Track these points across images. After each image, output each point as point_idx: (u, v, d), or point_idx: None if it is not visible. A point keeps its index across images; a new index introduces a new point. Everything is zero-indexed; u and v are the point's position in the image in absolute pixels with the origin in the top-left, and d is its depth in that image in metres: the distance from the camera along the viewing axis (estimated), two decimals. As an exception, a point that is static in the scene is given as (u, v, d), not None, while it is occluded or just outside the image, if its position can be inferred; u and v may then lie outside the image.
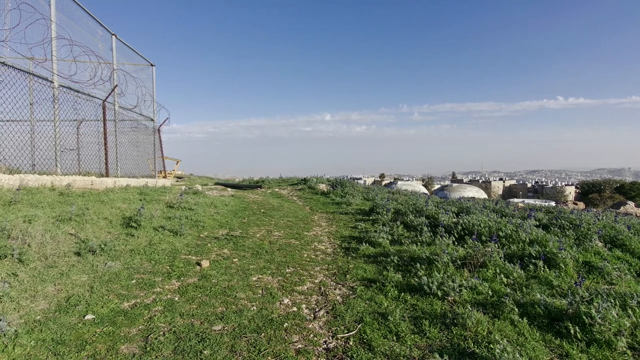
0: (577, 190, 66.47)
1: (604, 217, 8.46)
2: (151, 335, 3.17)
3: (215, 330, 3.31)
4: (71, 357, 2.77)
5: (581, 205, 31.28)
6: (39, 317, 3.29)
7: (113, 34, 10.39)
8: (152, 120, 13.21)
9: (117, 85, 10.09)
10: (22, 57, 7.26)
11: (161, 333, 3.21)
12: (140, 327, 3.32)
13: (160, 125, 13.77)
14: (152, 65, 13.07)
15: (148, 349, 2.95)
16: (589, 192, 59.05)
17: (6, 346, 2.79)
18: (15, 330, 2.96)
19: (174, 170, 22.24)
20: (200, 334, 3.23)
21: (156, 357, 2.85)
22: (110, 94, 9.70)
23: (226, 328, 3.37)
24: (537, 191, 75.32)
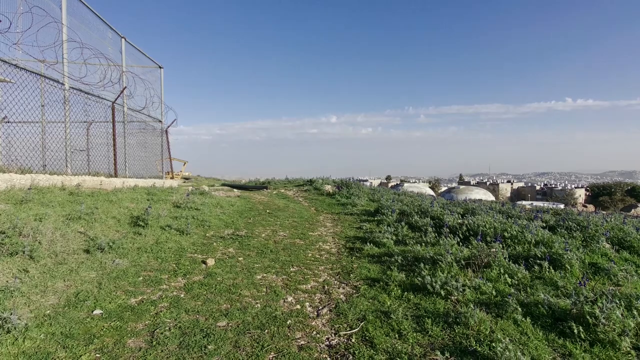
0: (587, 193, 65.56)
1: (612, 219, 8.37)
2: (157, 330, 3.23)
3: (219, 327, 3.36)
4: (80, 350, 2.84)
5: (591, 207, 30.88)
6: (48, 311, 3.38)
7: (122, 37, 10.57)
8: (160, 121, 13.38)
9: (125, 87, 10.25)
10: (34, 60, 7.43)
11: (167, 328, 3.28)
12: (146, 322, 3.39)
13: (168, 127, 13.94)
14: (160, 67, 13.25)
15: (154, 343, 3.02)
16: (599, 194, 58.23)
17: (16, 339, 2.88)
18: (26, 324, 3.05)
19: (181, 171, 22.46)
20: (205, 329, 3.28)
21: (162, 351, 2.91)
22: (119, 95, 9.87)
23: (230, 324, 3.42)
24: (546, 193, 74.48)
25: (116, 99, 9.79)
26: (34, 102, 7.49)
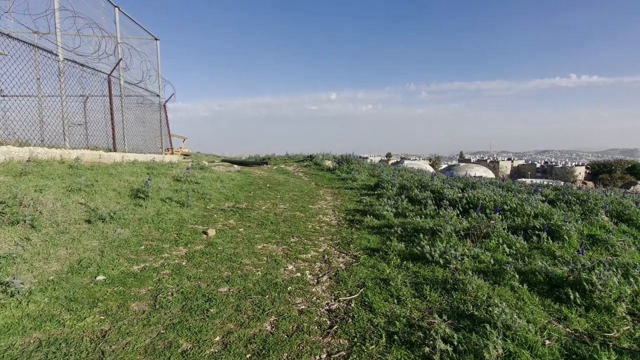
0: (588, 171, 65.60)
1: (612, 194, 8.38)
2: (160, 295, 3.29)
3: (221, 292, 3.42)
4: (84, 313, 2.90)
5: (590, 184, 30.90)
6: (52, 277, 3.42)
7: (116, 6, 10.23)
8: (157, 95, 13.16)
9: (121, 59, 10.02)
10: (27, 30, 7.21)
11: (169, 293, 3.33)
12: (149, 287, 3.44)
13: (166, 101, 13.73)
14: (156, 39, 12.90)
15: (157, 306, 3.07)
16: (599, 172, 58.27)
17: (20, 302, 2.92)
18: (29, 289, 3.09)
19: (180, 147, 22.32)
20: (207, 294, 3.34)
21: (165, 314, 2.97)
22: (115, 67, 9.65)
23: (232, 290, 3.47)
24: (546, 171, 74.50)
25: (112, 72, 9.58)
26: (29, 74, 7.33)
